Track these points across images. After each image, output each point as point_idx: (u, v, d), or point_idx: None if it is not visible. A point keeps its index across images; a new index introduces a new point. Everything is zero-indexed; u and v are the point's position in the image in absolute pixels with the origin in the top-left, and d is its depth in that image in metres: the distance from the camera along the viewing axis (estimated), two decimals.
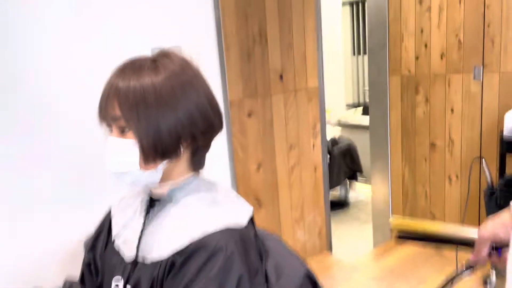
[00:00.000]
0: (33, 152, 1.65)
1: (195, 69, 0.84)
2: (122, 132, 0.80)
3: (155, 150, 0.79)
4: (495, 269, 2.35)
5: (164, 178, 0.84)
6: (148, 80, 0.78)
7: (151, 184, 0.85)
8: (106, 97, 0.80)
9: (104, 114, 0.81)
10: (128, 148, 0.79)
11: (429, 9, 2.80)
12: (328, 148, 3.35)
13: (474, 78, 2.67)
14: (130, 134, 0.79)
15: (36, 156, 1.66)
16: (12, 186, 1.62)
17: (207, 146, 0.87)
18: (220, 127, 0.87)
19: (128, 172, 0.80)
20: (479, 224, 2.96)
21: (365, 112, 4.53)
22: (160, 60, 0.81)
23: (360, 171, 4.15)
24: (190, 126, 0.80)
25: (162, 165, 0.81)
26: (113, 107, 0.79)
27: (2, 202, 1.61)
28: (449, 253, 2.74)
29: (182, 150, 0.81)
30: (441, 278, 2.71)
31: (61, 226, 1.74)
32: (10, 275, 1.64)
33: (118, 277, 0.84)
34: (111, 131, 0.82)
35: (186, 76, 0.81)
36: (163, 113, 0.77)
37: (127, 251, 0.85)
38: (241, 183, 2.38)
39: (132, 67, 0.80)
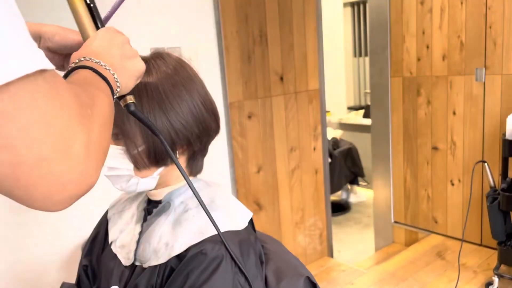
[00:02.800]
0: None
1: (189, 70, 0.81)
2: (116, 138, 0.77)
3: (148, 158, 0.77)
4: (498, 275, 2.33)
5: (161, 183, 0.82)
6: (139, 82, 0.76)
7: (147, 190, 0.83)
8: None
9: None
10: (121, 155, 0.77)
11: (430, 10, 2.78)
12: (329, 150, 3.33)
13: (476, 80, 2.66)
14: (122, 140, 0.77)
15: None
16: None
17: (204, 150, 0.85)
18: (216, 131, 0.84)
19: (123, 179, 0.78)
20: (481, 228, 2.93)
21: (366, 115, 4.51)
22: (153, 61, 0.79)
23: (362, 174, 4.13)
24: (184, 130, 0.77)
25: (158, 171, 0.79)
26: None
27: (1, 205, 1.59)
28: (450, 257, 2.72)
29: (177, 155, 0.79)
30: (443, 283, 2.69)
31: (60, 229, 1.72)
32: (8, 278, 1.62)
33: (115, 287, 0.83)
34: None
35: (178, 77, 0.78)
36: (155, 118, 0.75)
37: (124, 256, 0.84)
38: (241, 186, 2.36)
39: None
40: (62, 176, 0.38)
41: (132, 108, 0.64)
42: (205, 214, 0.80)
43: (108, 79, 0.53)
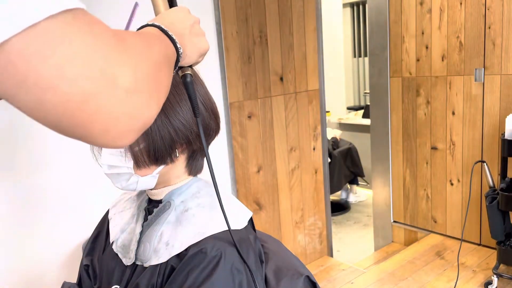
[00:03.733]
0: (33, 156, 1.64)
1: None
2: None
3: (148, 156, 0.77)
4: (497, 275, 2.33)
5: (161, 182, 0.83)
6: None
7: (147, 189, 0.84)
8: None
9: None
10: (121, 154, 0.77)
11: (429, 10, 2.79)
12: (328, 150, 3.34)
13: (475, 80, 2.66)
14: None
15: (36, 160, 1.65)
16: (12, 189, 1.61)
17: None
18: (216, 131, 0.85)
19: (123, 177, 0.79)
20: (480, 227, 2.93)
21: (366, 115, 4.52)
22: None
23: (362, 174, 4.14)
24: (184, 128, 0.77)
25: (157, 170, 0.80)
26: None
27: (2, 205, 1.60)
28: (450, 256, 2.73)
29: (177, 154, 0.80)
30: (442, 282, 2.69)
31: (61, 228, 1.73)
32: (10, 277, 1.63)
33: (116, 286, 0.84)
34: None
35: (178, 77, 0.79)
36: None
37: (125, 256, 0.84)
38: (241, 186, 2.37)
39: None
40: (112, 109, 0.38)
41: (188, 79, 0.65)
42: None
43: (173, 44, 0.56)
